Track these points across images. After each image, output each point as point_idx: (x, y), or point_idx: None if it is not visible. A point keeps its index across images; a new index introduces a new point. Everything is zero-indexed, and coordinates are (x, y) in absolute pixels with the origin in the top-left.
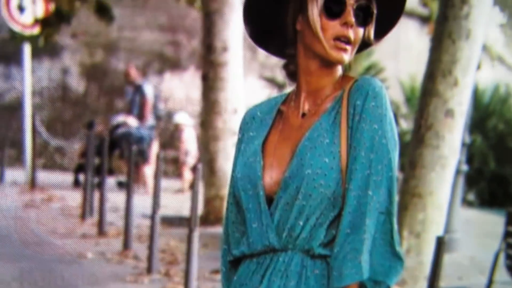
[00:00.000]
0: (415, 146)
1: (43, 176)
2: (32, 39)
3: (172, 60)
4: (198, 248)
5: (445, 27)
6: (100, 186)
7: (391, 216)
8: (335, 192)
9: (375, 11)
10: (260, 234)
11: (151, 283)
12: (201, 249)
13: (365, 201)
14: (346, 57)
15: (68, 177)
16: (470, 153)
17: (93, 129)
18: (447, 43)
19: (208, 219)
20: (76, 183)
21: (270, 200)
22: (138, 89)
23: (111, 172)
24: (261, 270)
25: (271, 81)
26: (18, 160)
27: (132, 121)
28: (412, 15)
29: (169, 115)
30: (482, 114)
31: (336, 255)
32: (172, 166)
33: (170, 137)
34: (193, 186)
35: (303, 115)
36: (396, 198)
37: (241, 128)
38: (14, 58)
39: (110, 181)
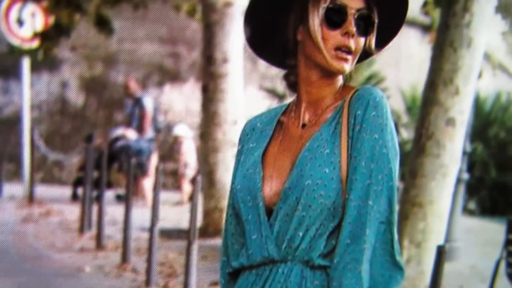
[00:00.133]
0: (416, 155)
1: (41, 190)
2: (31, 53)
3: (172, 72)
4: (197, 260)
5: (446, 35)
6: (99, 199)
7: (391, 225)
8: (335, 202)
9: (376, 21)
10: (259, 246)
11: None
12: (200, 261)
13: (365, 211)
14: (347, 67)
15: (67, 191)
16: (471, 161)
17: (92, 143)
18: (449, 51)
19: (207, 231)
20: (75, 197)
21: (269, 212)
22: (138, 102)
23: (109, 185)
24: (260, 282)
25: (271, 92)
26: (16, 174)
27: (131, 134)
28: (413, 24)
29: (169, 127)
30: (483, 122)
31: (336, 266)
32: (171, 178)
33: (170, 150)
34: (192, 198)
35: (303, 125)
36: (396, 207)
37: (240, 140)
38: (13, 72)
39: (109, 194)
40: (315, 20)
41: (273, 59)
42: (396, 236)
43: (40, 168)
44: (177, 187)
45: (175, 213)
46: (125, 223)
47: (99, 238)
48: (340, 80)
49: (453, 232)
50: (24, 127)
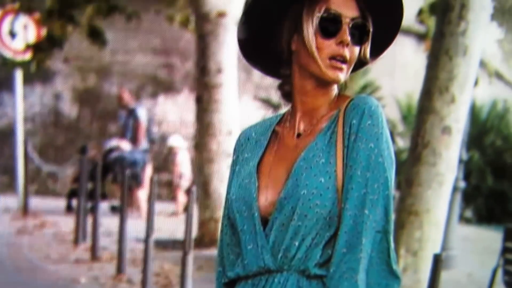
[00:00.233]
0: (412, 164)
1: (35, 202)
2: (24, 65)
3: (166, 83)
4: (192, 271)
5: (442, 44)
6: (93, 210)
7: (387, 234)
8: (331, 212)
9: (371, 30)
10: (255, 256)
11: None
12: (195, 271)
13: (362, 220)
14: (342, 76)
15: (61, 203)
16: (468, 169)
17: (86, 154)
18: (444, 60)
19: (202, 242)
20: (69, 209)
21: (265, 221)
22: (132, 113)
23: (104, 196)
24: None
25: (266, 102)
26: (10, 187)
27: (125, 145)
28: (408, 32)
29: (163, 138)
30: (480, 130)
31: (332, 275)
32: (166, 189)
33: (164, 160)
34: (187, 209)
35: (299, 135)
36: (392, 216)
37: (235, 150)
38: (6, 84)
39: (104, 205)
40: (310, 30)
41: (268, 69)
42: (392, 245)
43: (34, 180)
44: (172, 198)
45: (170, 223)
46: (120, 234)
47: (94, 249)
48: (335, 89)
49: (450, 240)
50: (18, 139)
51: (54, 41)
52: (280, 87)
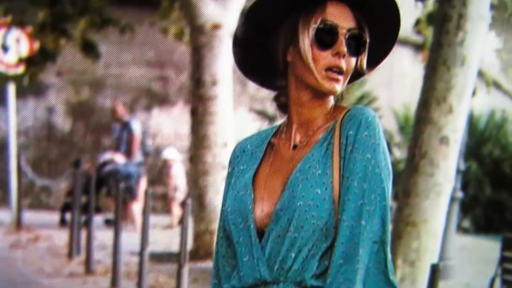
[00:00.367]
0: (409, 175)
1: (29, 216)
2: (17, 79)
3: (160, 96)
4: (188, 283)
5: (439, 54)
6: (87, 224)
7: (384, 245)
8: (328, 223)
9: (368, 40)
10: (251, 268)
11: None
12: (191, 284)
13: (358, 231)
14: (338, 87)
15: (55, 217)
16: (465, 179)
17: (80, 168)
18: (442, 70)
19: (198, 254)
20: (63, 222)
21: (261, 233)
22: (126, 126)
23: (98, 210)
24: None
25: (262, 114)
26: (3, 201)
27: (119, 158)
28: (405, 43)
29: (158, 151)
30: (478, 140)
31: (329, 286)
32: (161, 202)
33: (159, 173)
34: (182, 221)
35: (295, 146)
36: (390, 227)
37: (231, 162)
38: None
39: (98, 219)
40: (305, 41)
41: (263, 81)
42: (389, 256)
43: (28, 194)
44: (167, 210)
45: (165, 236)
46: (114, 247)
47: (88, 263)
48: (331, 100)
49: (447, 250)
50: (11, 153)
51: (47, 55)
52: (276, 99)
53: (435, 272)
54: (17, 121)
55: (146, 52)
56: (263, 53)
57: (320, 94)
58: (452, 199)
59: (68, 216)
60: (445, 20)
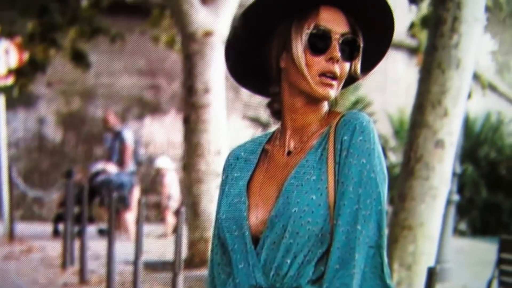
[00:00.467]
0: (405, 179)
1: (21, 227)
2: (6, 90)
3: (152, 104)
4: None
5: (434, 57)
6: (80, 234)
7: (381, 249)
8: (323, 228)
9: (361, 45)
10: (246, 275)
11: None
12: None
13: (354, 236)
14: (332, 92)
15: (47, 228)
16: (461, 182)
17: (72, 178)
18: (437, 73)
19: (192, 262)
20: (56, 233)
21: (256, 240)
22: (118, 135)
23: (91, 220)
24: None
25: (255, 121)
26: None
27: (111, 168)
28: (400, 47)
29: (150, 159)
30: (474, 143)
31: None
32: (154, 211)
33: (152, 182)
34: (176, 230)
35: (289, 153)
36: (386, 231)
37: (224, 169)
38: None
39: (91, 229)
40: (299, 47)
41: (256, 88)
42: (386, 260)
43: (20, 206)
44: (161, 219)
45: (160, 245)
46: (108, 257)
47: (82, 273)
48: (325, 106)
49: (444, 253)
50: (2, 165)
51: (37, 65)
52: (270, 105)
53: (432, 275)
54: (7, 132)
55: (137, 60)
56: (256, 60)
57: (314, 100)
58: (448, 202)
59: (61, 226)
60: (439, 23)
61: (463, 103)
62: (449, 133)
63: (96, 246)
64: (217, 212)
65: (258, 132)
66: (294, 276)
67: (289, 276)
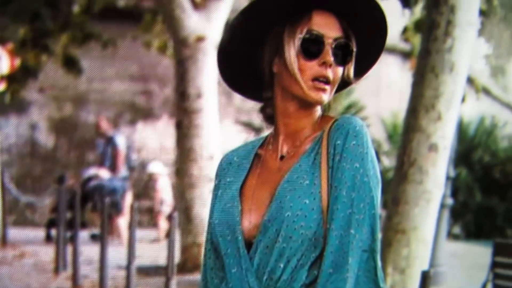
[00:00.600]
0: (398, 183)
1: (14, 232)
2: None
3: (145, 110)
4: None
5: (428, 61)
6: (73, 239)
7: (374, 253)
8: (316, 233)
9: (354, 50)
10: (239, 279)
11: None
12: None
13: (348, 240)
14: (325, 97)
15: (40, 233)
16: (455, 186)
17: (64, 183)
18: (430, 77)
19: (185, 267)
20: (48, 238)
21: (249, 245)
22: (110, 141)
23: (84, 225)
24: None
25: (248, 126)
26: None
27: (104, 173)
28: (393, 51)
29: (143, 165)
30: (467, 146)
31: None
32: (147, 216)
33: (144, 187)
34: (169, 235)
35: (282, 157)
36: (379, 235)
37: (217, 174)
38: None
39: (83, 234)
40: (291, 51)
41: (249, 92)
42: (379, 264)
43: (12, 211)
44: (153, 224)
45: (152, 250)
46: (101, 262)
47: (75, 278)
48: (318, 110)
49: (438, 257)
50: None
51: (29, 71)
52: (262, 110)
53: (426, 279)
54: None
55: (129, 66)
56: (248, 64)
57: (307, 104)
58: (442, 205)
59: (53, 232)
60: (433, 27)
61: (457, 107)
62: (442, 137)
63: (89, 251)
64: (210, 217)
65: (250, 137)
66: (287, 280)
67: (282, 280)
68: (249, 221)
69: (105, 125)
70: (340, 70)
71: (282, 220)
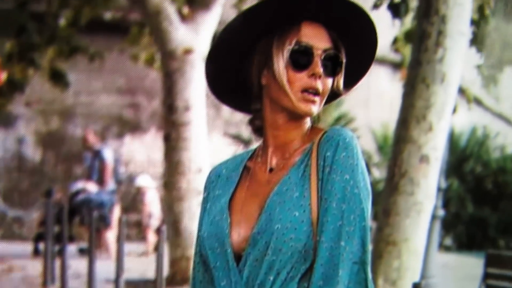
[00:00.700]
0: (389, 194)
1: (1, 247)
2: None
3: (132, 123)
4: None
5: (418, 71)
6: (61, 253)
7: (365, 265)
8: (306, 245)
9: (344, 61)
10: None
11: None
12: None
13: (338, 252)
14: (315, 109)
15: (28, 247)
16: (447, 197)
17: (52, 197)
18: (421, 88)
19: (174, 280)
20: (36, 252)
21: (238, 258)
22: (97, 154)
23: (72, 239)
24: None
25: (237, 138)
26: None
27: (91, 187)
28: (383, 62)
29: (131, 178)
30: (459, 157)
31: None
32: (135, 229)
33: (132, 201)
34: (157, 248)
35: (271, 170)
36: (370, 247)
37: (206, 187)
38: None
39: (71, 248)
40: (280, 63)
41: (237, 105)
42: (370, 276)
43: (0, 225)
44: (142, 238)
45: (141, 263)
46: (89, 276)
47: None
48: (307, 122)
49: (429, 268)
50: None
51: (15, 85)
52: (251, 122)
53: None
54: None
55: (117, 79)
56: (236, 76)
57: (296, 116)
58: (434, 217)
59: (41, 245)
60: (424, 37)
61: (448, 118)
62: (433, 148)
63: (77, 265)
64: (199, 230)
65: (239, 149)
66: None
67: None
68: (238, 234)
69: (92, 139)
70: (329, 81)
71: (272, 232)
